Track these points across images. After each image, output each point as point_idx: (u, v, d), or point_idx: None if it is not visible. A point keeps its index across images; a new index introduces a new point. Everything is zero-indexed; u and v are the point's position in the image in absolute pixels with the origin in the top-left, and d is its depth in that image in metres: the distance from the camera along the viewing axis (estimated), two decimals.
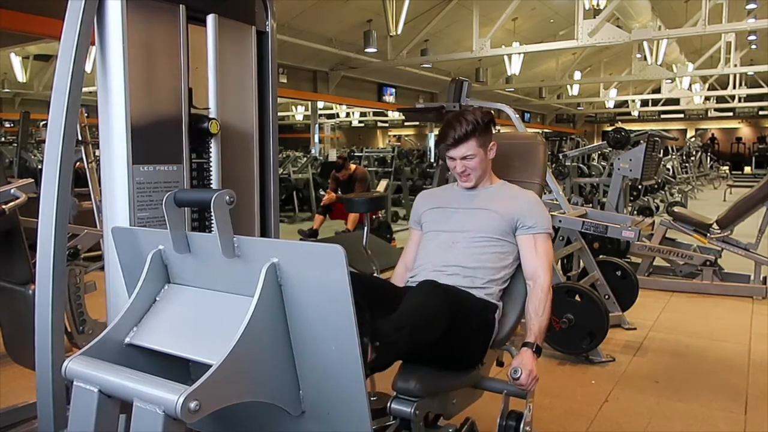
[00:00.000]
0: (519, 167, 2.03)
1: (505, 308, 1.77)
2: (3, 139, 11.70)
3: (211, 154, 1.51)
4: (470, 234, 1.77)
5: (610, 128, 7.58)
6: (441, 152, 1.92)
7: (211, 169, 1.52)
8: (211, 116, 1.48)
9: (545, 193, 3.70)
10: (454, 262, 1.73)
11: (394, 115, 21.93)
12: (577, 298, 3.01)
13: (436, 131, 19.30)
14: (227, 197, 0.96)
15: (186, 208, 1.46)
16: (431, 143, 19.11)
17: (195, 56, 1.47)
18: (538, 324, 1.67)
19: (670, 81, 17.41)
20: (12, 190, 1.96)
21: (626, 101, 23.08)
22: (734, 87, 17.80)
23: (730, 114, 23.48)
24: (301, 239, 6.25)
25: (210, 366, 0.85)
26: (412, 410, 1.45)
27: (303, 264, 0.91)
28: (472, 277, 1.71)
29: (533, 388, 1.60)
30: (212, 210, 0.94)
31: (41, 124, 7.45)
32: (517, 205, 1.79)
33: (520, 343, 1.66)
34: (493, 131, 1.87)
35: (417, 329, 1.39)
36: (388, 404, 1.48)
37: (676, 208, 5.19)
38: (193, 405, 0.81)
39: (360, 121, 24.52)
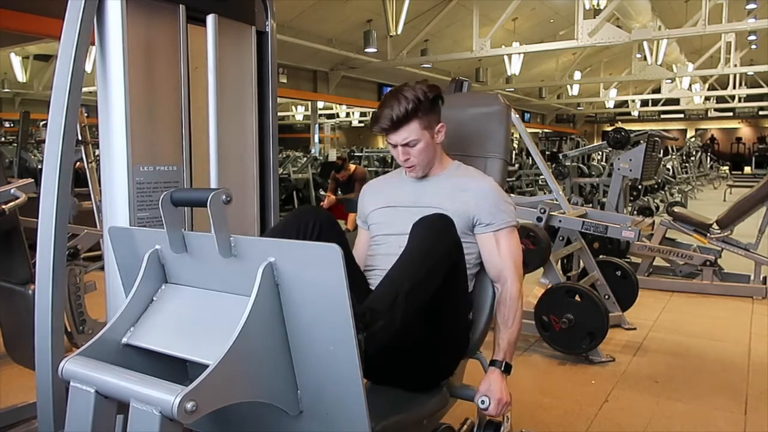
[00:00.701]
0: (477, 139, 1.72)
1: (474, 315, 1.58)
2: (3, 139, 11.70)
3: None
4: None
5: (610, 128, 7.58)
6: (377, 133, 1.61)
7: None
8: (211, 120, 1.46)
9: (544, 193, 3.69)
10: None
11: None
12: (577, 298, 3.01)
13: None
14: (224, 196, 0.96)
15: (186, 208, 1.47)
16: None
17: (195, 56, 1.48)
18: (507, 337, 1.48)
19: (670, 81, 17.41)
20: (12, 190, 1.96)
21: (626, 101, 23.07)
22: (734, 87, 17.79)
23: (730, 114, 23.48)
24: None
25: (207, 366, 0.85)
26: None
27: (300, 263, 0.91)
28: None
29: (506, 413, 1.43)
30: (209, 209, 0.94)
31: (41, 124, 7.46)
32: (470, 198, 1.54)
33: (519, 342, 1.57)
34: (445, 126, 1.59)
35: (411, 293, 1.24)
36: None
37: (676, 208, 5.19)
38: (190, 405, 0.81)
39: (360, 121, 24.51)
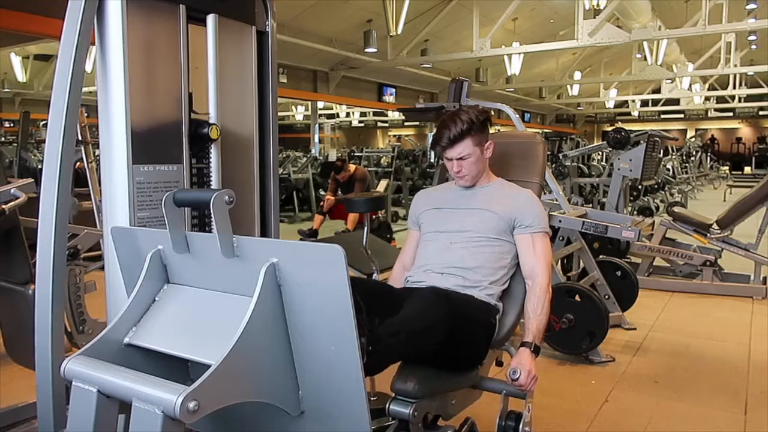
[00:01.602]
0: (518, 166, 2.03)
1: (504, 308, 1.76)
2: (3, 139, 11.71)
3: (210, 155, 1.51)
4: (468, 234, 1.76)
5: (610, 128, 7.57)
6: (437, 153, 1.94)
7: (210, 168, 1.52)
8: (211, 120, 1.47)
9: (545, 193, 3.70)
10: (453, 263, 1.73)
11: (394, 115, 21.93)
12: (577, 298, 3.01)
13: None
14: (226, 197, 0.96)
15: (186, 208, 1.46)
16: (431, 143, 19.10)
17: (195, 56, 1.47)
18: (536, 323, 1.66)
19: (670, 81, 17.41)
20: (12, 190, 1.96)
21: (626, 101, 23.08)
22: (734, 87, 17.80)
23: (730, 114, 23.49)
24: (301, 239, 6.25)
25: (209, 366, 0.85)
26: (411, 411, 1.45)
27: (302, 264, 0.91)
28: (471, 278, 1.70)
29: (533, 388, 1.59)
30: (211, 210, 0.94)
31: (41, 124, 7.46)
32: (515, 204, 1.78)
33: (518, 343, 1.66)
34: (491, 130, 1.87)
35: (414, 336, 1.38)
36: (387, 405, 1.48)
37: (676, 208, 5.19)
38: (191, 405, 0.81)
39: (360, 121, 24.52)
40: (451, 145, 1.77)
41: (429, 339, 1.43)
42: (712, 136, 25.27)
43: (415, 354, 1.47)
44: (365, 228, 2.33)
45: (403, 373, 1.50)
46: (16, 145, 7.90)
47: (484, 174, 1.87)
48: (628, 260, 4.49)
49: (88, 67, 1.53)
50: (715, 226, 4.53)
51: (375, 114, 22.94)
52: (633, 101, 22.81)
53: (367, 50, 11.74)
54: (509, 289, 1.80)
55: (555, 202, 3.52)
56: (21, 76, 13.53)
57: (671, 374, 2.88)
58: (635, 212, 7.85)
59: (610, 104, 23.35)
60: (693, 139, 16.87)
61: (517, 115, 3.43)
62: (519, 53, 12.88)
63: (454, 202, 1.86)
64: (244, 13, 1.61)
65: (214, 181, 1.49)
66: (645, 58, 13.83)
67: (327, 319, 0.91)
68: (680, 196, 10.49)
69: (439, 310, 1.46)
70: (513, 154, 2.04)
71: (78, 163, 3.28)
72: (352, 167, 6.96)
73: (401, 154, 11.94)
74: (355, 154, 12.58)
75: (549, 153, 11.67)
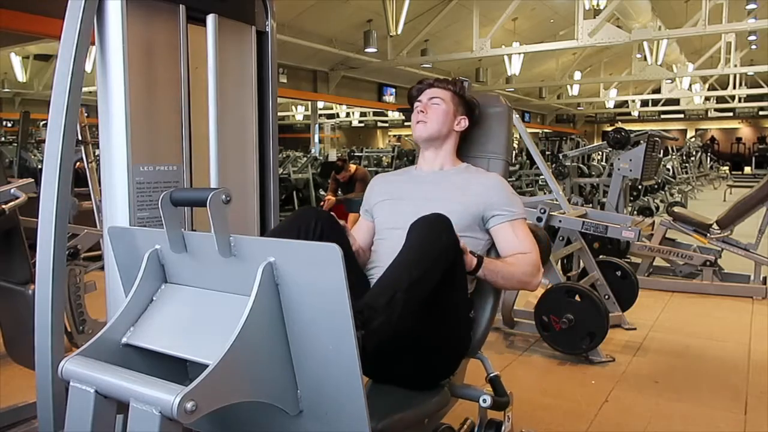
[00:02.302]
0: (479, 139, 1.76)
1: (474, 314, 1.58)
2: (3, 139, 11.71)
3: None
4: None
5: (610, 128, 7.58)
6: (409, 101, 1.73)
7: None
8: (211, 120, 1.47)
9: (544, 193, 3.69)
10: None
11: (394, 115, 21.94)
12: (577, 298, 3.01)
13: None
14: (223, 196, 0.95)
15: (186, 208, 1.47)
16: None
17: (195, 56, 1.47)
18: (500, 262, 1.52)
19: (670, 81, 17.41)
20: (12, 190, 1.96)
21: (626, 101, 23.08)
22: (734, 87, 17.80)
23: (730, 114, 23.49)
24: None
25: (207, 366, 0.85)
26: None
27: (300, 263, 0.91)
28: None
29: (508, 412, 1.46)
30: (208, 209, 0.94)
31: (41, 124, 7.47)
32: (483, 194, 1.59)
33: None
34: (472, 116, 1.71)
35: (409, 290, 1.24)
36: None
37: (676, 209, 5.19)
38: (189, 405, 0.81)
39: (360, 121, 24.52)
40: (424, 89, 1.67)
41: (425, 284, 1.28)
42: (712, 136, 25.27)
43: (412, 309, 1.27)
44: None
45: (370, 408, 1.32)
46: (16, 145, 7.90)
47: (447, 151, 1.68)
48: (628, 260, 4.49)
49: (88, 67, 1.53)
50: (715, 226, 4.53)
51: (375, 114, 22.95)
52: (633, 101, 22.81)
53: (367, 50, 11.75)
54: (478, 292, 1.60)
55: (555, 202, 3.52)
56: (21, 76, 13.54)
57: (671, 374, 2.88)
58: (635, 212, 7.85)
59: (610, 104, 23.35)
60: (693, 139, 16.87)
61: (518, 115, 3.43)
62: (519, 53, 12.89)
63: (413, 192, 1.66)
64: (244, 13, 1.61)
65: (214, 181, 1.49)
66: (645, 58, 13.83)
67: (325, 318, 0.91)
68: (680, 196, 10.49)
69: (430, 251, 1.30)
70: (472, 124, 1.74)
71: (78, 163, 3.28)
72: (352, 167, 6.96)
73: (401, 154, 11.95)
74: (355, 154, 12.58)
75: (549, 153, 11.71)
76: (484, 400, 1.43)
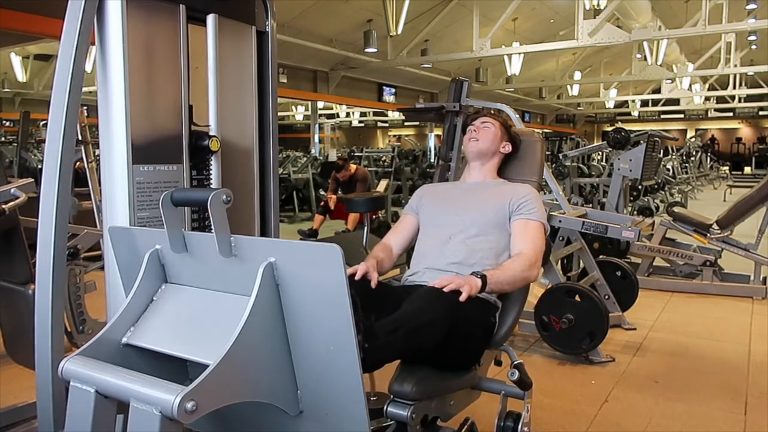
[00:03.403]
0: (516, 165, 2.05)
1: (503, 306, 1.74)
2: (3, 139, 11.71)
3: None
4: (467, 229, 1.77)
5: (610, 128, 7.57)
6: (464, 127, 2.08)
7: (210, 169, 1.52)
8: (211, 119, 1.47)
9: (545, 193, 3.70)
10: (452, 259, 1.73)
11: (394, 115, 21.94)
12: (577, 298, 3.01)
13: (436, 131, 19.33)
14: (224, 196, 0.95)
15: (187, 208, 1.46)
16: (431, 143, 19.11)
17: (195, 56, 1.47)
18: (499, 270, 1.65)
19: (670, 81, 17.41)
20: (12, 190, 1.96)
21: (626, 101, 23.07)
22: (734, 87, 17.79)
23: (730, 114, 23.47)
24: (301, 239, 6.25)
25: (207, 366, 0.85)
26: (409, 414, 1.44)
27: (300, 263, 0.91)
28: (468, 274, 1.66)
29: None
30: (209, 209, 0.94)
31: (41, 123, 7.47)
32: (513, 194, 1.82)
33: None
34: (515, 143, 2.00)
35: (412, 334, 1.37)
36: (385, 407, 1.47)
37: (676, 209, 5.19)
38: (190, 405, 0.81)
39: (360, 121, 24.51)
40: (479, 117, 1.98)
41: (427, 337, 1.42)
42: (712, 136, 25.26)
43: (413, 352, 1.45)
44: (365, 228, 2.34)
45: (400, 375, 1.50)
46: (16, 145, 7.90)
47: (490, 167, 1.96)
48: (628, 260, 4.49)
49: (88, 67, 1.53)
50: (715, 226, 4.53)
51: (375, 114, 22.94)
52: (633, 101, 22.80)
53: (367, 50, 11.74)
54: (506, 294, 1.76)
55: (555, 202, 3.52)
56: (21, 76, 13.53)
57: (671, 374, 2.88)
58: (635, 212, 7.85)
59: (610, 104, 23.35)
60: (693, 139, 16.86)
61: (517, 115, 3.43)
62: (519, 53, 12.87)
63: (455, 197, 1.91)
64: (244, 13, 1.61)
65: (214, 181, 1.49)
66: (645, 58, 13.82)
67: (325, 318, 0.91)
68: (680, 196, 10.49)
69: (437, 308, 1.45)
70: (510, 154, 2.06)
71: (78, 163, 3.28)
72: (353, 167, 6.96)
73: (401, 154, 11.95)
74: (355, 154, 12.58)
75: (549, 153, 11.71)
76: (512, 374, 1.59)
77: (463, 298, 1.49)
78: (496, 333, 1.71)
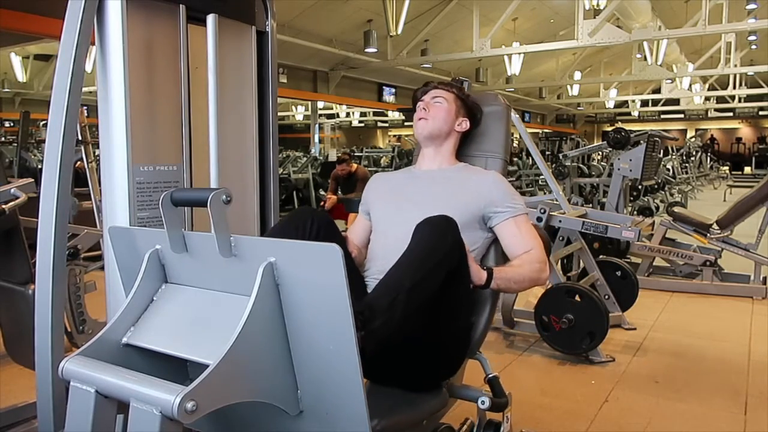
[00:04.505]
0: (477, 139, 1.77)
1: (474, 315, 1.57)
2: (3, 139, 11.71)
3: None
4: None
5: (610, 128, 7.58)
6: (413, 102, 1.76)
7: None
8: (210, 120, 1.47)
9: (545, 193, 3.69)
10: None
11: (394, 115, 21.94)
12: (577, 298, 3.01)
13: None
14: (224, 196, 0.95)
15: (186, 208, 1.47)
16: None
17: (195, 56, 1.48)
18: (508, 268, 1.52)
19: (670, 81, 17.42)
20: (12, 190, 1.96)
21: (626, 101, 23.08)
22: (734, 87, 17.80)
23: (730, 114, 23.48)
24: None
25: (207, 366, 0.85)
26: None
27: (300, 263, 0.91)
28: None
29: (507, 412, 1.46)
30: (209, 209, 0.94)
31: (41, 124, 7.47)
32: (481, 191, 1.59)
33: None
34: (474, 119, 1.74)
35: (414, 291, 1.24)
36: None
37: (676, 209, 5.19)
38: (190, 405, 0.81)
39: (360, 121, 24.52)
40: (428, 90, 1.71)
41: (425, 289, 1.28)
42: (712, 136, 25.25)
43: (413, 311, 1.27)
44: None
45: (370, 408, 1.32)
46: (16, 145, 7.90)
47: (446, 151, 1.70)
48: (628, 260, 4.49)
49: (88, 67, 1.53)
50: (715, 226, 4.53)
51: (375, 114, 22.95)
52: (633, 101, 22.81)
53: (367, 50, 11.75)
54: (477, 294, 1.56)
55: (555, 202, 3.52)
56: (21, 76, 13.55)
57: (671, 374, 2.88)
58: (635, 212, 7.85)
59: (610, 104, 23.35)
60: (693, 139, 16.85)
61: (517, 116, 3.43)
62: (519, 53, 12.88)
63: (412, 190, 1.67)
64: (244, 13, 1.61)
65: (214, 181, 1.49)
66: (645, 58, 13.83)
67: (325, 318, 0.91)
68: (680, 196, 10.48)
69: (445, 238, 1.31)
70: (470, 128, 1.76)
71: (78, 163, 3.28)
72: (354, 165, 6.99)
73: (401, 153, 11.95)
74: (355, 153, 12.59)
75: (549, 153, 11.71)
76: (483, 402, 1.43)
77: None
78: (472, 337, 1.55)
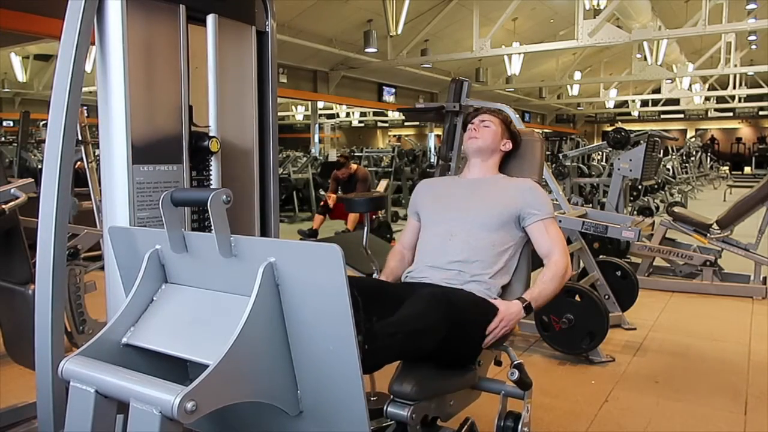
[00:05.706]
0: (516, 163, 2.05)
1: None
2: (3, 139, 11.72)
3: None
4: (469, 227, 1.77)
5: (610, 128, 7.58)
6: (464, 124, 2.08)
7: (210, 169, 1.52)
8: (210, 119, 1.47)
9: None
10: (453, 257, 1.73)
11: (394, 115, 21.94)
12: (577, 298, 3.01)
13: (436, 131, 19.33)
14: (224, 196, 0.95)
15: (186, 208, 1.46)
16: (431, 143, 19.12)
17: (195, 56, 1.47)
18: (540, 288, 1.70)
19: (670, 81, 17.41)
20: (12, 190, 1.96)
21: (626, 101, 23.07)
22: (734, 87, 17.80)
23: (730, 114, 23.47)
24: (301, 239, 6.25)
25: (207, 366, 0.85)
26: (408, 414, 1.44)
27: (300, 263, 0.91)
28: (470, 272, 1.70)
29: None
30: (209, 209, 0.94)
31: (41, 124, 7.47)
32: (519, 195, 1.82)
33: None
34: (515, 141, 2.00)
35: (411, 337, 1.38)
36: (385, 407, 1.47)
37: (676, 209, 5.19)
38: (189, 405, 0.81)
39: (360, 121, 24.52)
40: (480, 114, 1.97)
41: (426, 341, 1.43)
42: (712, 136, 25.25)
43: (413, 352, 1.46)
44: (365, 228, 2.33)
45: (400, 374, 1.50)
46: (16, 145, 7.90)
47: (491, 164, 1.95)
48: (628, 260, 4.49)
49: (88, 67, 1.53)
50: (715, 226, 4.53)
51: (375, 114, 22.94)
52: (633, 101, 22.80)
53: (367, 50, 11.74)
54: (510, 286, 1.80)
55: (555, 202, 3.52)
56: (21, 76, 13.54)
57: (671, 374, 2.88)
58: (635, 212, 7.85)
59: (610, 104, 23.35)
60: (693, 139, 16.85)
61: (517, 115, 3.43)
62: (519, 53, 12.88)
63: (456, 194, 1.90)
64: (244, 13, 1.61)
65: (214, 181, 1.49)
66: (645, 58, 13.83)
67: (325, 318, 0.91)
68: (680, 196, 10.49)
69: (437, 312, 1.45)
70: (510, 152, 2.06)
71: (78, 163, 3.28)
72: (354, 166, 6.98)
73: (401, 154, 11.95)
74: (355, 154, 12.58)
75: (549, 153, 11.72)
76: (512, 374, 1.58)
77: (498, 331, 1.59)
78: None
